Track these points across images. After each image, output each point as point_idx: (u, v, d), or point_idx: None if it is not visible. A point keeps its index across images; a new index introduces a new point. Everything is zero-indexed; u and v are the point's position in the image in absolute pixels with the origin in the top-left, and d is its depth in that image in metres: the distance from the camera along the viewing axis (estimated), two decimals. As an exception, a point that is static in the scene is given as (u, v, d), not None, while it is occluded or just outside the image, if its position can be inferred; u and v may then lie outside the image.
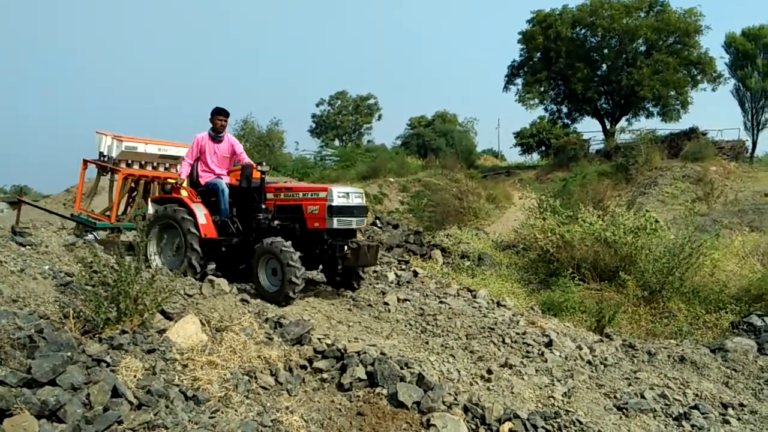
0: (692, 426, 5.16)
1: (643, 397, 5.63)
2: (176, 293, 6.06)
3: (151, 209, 8.54)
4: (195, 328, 5.42)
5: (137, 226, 8.57)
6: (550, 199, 14.67)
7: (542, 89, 41.49)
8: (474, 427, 4.82)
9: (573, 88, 39.42)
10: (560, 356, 6.50)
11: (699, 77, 38.70)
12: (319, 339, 5.87)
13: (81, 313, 5.20)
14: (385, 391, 5.11)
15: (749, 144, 35.47)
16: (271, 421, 4.43)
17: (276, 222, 7.72)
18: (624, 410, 5.34)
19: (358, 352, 5.63)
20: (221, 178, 8.33)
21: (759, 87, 33.89)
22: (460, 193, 25.98)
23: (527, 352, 6.58)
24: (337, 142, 56.06)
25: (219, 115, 8.39)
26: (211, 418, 4.33)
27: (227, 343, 5.34)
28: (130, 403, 4.15)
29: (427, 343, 6.48)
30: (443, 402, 5.04)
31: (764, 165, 32.02)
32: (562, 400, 5.37)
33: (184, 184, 8.22)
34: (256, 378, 5.00)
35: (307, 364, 5.48)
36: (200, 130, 8.39)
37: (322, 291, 8.13)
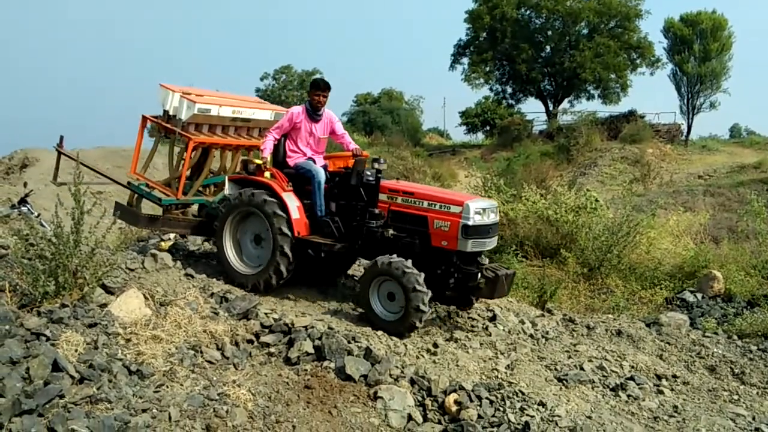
0: (628, 396, 5.37)
1: (582, 368, 5.81)
2: (118, 267, 5.90)
3: (227, 190, 7.09)
4: (138, 303, 5.30)
5: (213, 204, 7.57)
6: (494, 178, 14.91)
7: (488, 69, 41.90)
8: (420, 398, 4.90)
9: (518, 69, 39.94)
10: (504, 330, 6.64)
11: (638, 61, 39.78)
12: (266, 314, 5.84)
13: (18, 287, 5.02)
14: (332, 365, 5.13)
15: (684, 127, 36.74)
16: (218, 394, 4.40)
17: (391, 232, 6.40)
18: (564, 381, 5.50)
19: (305, 327, 5.62)
20: (314, 162, 7.00)
21: (695, 72, 35.02)
22: (406, 171, 26.11)
23: (472, 326, 6.70)
24: (282, 118, 55.15)
25: (317, 90, 6.96)
26: (155, 392, 4.27)
27: (172, 317, 5.25)
28: (72, 377, 4.05)
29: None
30: (390, 375, 5.09)
31: (698, 148, 33.24)
32: (506, 372, 5.50)
33: (269, 164, 6.89)
34: (201, 352, 4.95)
35: (254, 339, 5.45)
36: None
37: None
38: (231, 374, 4.79)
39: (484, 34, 41.91)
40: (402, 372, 5.17)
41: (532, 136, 38.12)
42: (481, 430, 4.43)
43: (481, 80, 42.41)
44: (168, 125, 7.72)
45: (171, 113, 7.74)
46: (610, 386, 5.55)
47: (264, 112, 8.50)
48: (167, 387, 4.38)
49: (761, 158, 27.01)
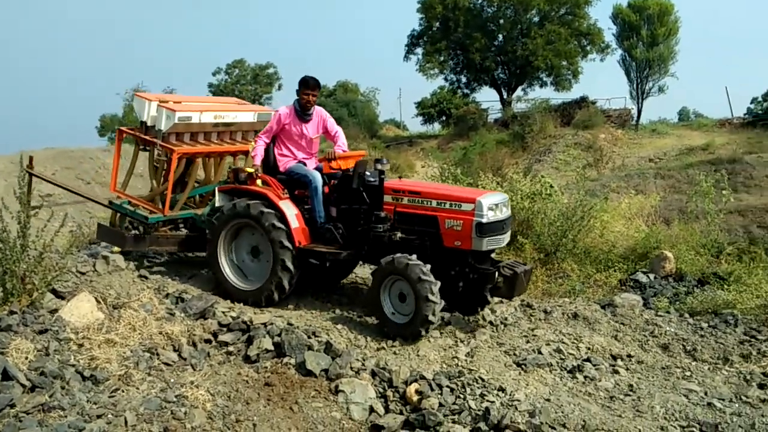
0: (585, 377, 5.47)
1: (540, 352, 5.90)
2: (68, 271, 5.77)
3: (218, 201, 6.74)
4: (90, 306, 5.20)
5: (202, 216, 7.21)
6: (451, 168, 14.97)
7: (442, 59, 42.00)
8: (382, 390, 4.91)
9: (471, 58, 40.14)
10: (463, 318, 6.69)
11: (588, 48, 40.36)
12: (223, 312, 5.78)
13: (-38, 295, 4.87)
14: (293, 361, 5.11)
15: (635, 112, 37.45)
16: (176, 396, 4.34)
17: (399, 235, 6.10)
18: (523, 366, 5.58)
19: (264, 324, 5.60)
20: (306, 165, 6.70)
21: (643, 57, 35.70)
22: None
23: (432, 315, 6.73)
24: (236, 113, 54.50)
25: (306, 88, 6.59)
26: (110, 397, 4.20)
27: (126, 320, 5.16)
28: (23, 385, 3.96)
29: (334, 312, 6.49)
30: (351, 368, 5.10)
31: (648, 132, 33.94)
32: (466, 360, 5.55)
33: (260, 171, 6.58)
34: (158, 354, 4.88)
35: (212, 338, 5.40)
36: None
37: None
38: (189, 375, 4.73)
39: (437, 24, 41.99)
40: (363, 364, 5.18)
41: (487, 125, 38.41)
42: (442, 418, 4.46)
43: (436, 70, 42.51)
44: (147, 137, 7.33)
45: (149, 123, 7.34)
46: (568, 368, 5.64)
47: (246, 114, 8.16)
48: (123, 391, 4.31)
49: (709, 140, 27.76)
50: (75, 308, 5.12)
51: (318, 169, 6.69)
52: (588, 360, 5.79)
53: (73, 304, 5.16)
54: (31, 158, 7.90)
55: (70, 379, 4.25)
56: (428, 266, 5.67)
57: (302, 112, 6.64)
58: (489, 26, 41.20)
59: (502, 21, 41.18)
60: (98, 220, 9.47)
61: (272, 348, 5.24)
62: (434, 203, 6.01)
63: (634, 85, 36.94)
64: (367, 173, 6.41)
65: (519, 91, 42.88)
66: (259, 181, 6.49)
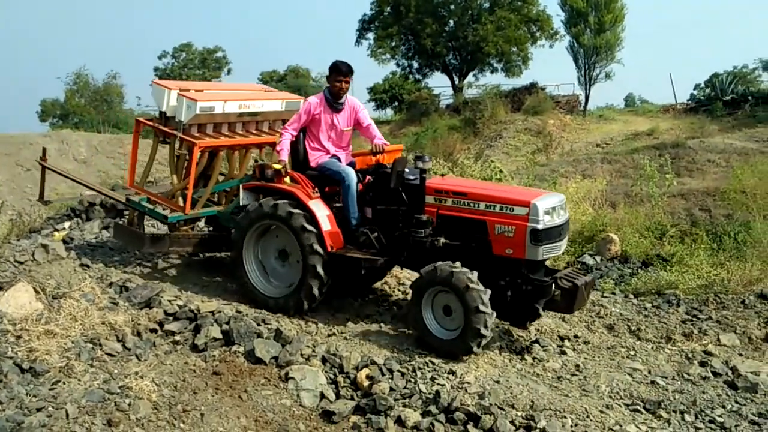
0: (533, 358, 5.56)
1: (490, 335, 5.95)
2: (5, 260, 5.55)
3: (243, 199, 6.20)
4: (28, 297, 5.02)
5: (226, 215, 6.73)
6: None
7: (393, 44, 41.90)
8: (333, 376, 4.88)
9: (423, 44, 40.12)
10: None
11: (538, 34, 40.82)
12: (169, 301, 5.64)
13: None
14: (242, 349, 5.04)
15: (582, 98, 38.08)
16: (120, 387, 4.23)
17: (442, 240, 5.56)
18: (472, 349, 5.62)
19: (212, 312, 5.49)
20: (338, 159, 6.21)
21: (591, 44, 36.23)
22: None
23: (383, 302, 6.73)
24: (183, 98, 53.50)
25: (338, 74, 6.03)
26: (51, 389, 4.06)
27: (66, 310, 5.00)
28: (-44, 381, 3.78)
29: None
30: (301, 355, 5.05)
31: (596, 118, 34.57)
32: (416, 345, 5.55)
33: (288, 167, 6.02)
34: (100, 345, 4.74)
35: (158, 328, 5.27)
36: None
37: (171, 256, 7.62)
38: (133, 366, 4.61)
39: (389, 9, 41.81)
40: (313, 351, 5.14)
41: (439, 111, 38.51)
42: (393, 402, 4.46)
43: (387, 55, 42.39)
44: (166, 129, 6.74)
45: (169, 114, 6.74)
46: (517, 350, 5.72)
47: (273, 103, 7.53)
48: (64, 383, 4.18)
49: (653, 125, 28.44)
50: (12, 299, 4.93)
51: (351, 164, 6.20)
52: (536, 341, 5.87)
53: (10, 295, 4.97)
54: (44, 150, 7.46)
55: (7, 372, 4.10)
56: (475, 273, 5.15)
57: (334, 100, 6.11)
58: (440, 12, 41.21)
59: (452, 6, 41.26)
60: (42, 210, 9.11)
61: (220, 336, 5.15)
62: (482, 206, 5.42)
63: (582, 72, 37.49)
64: (408, 172, 5.87)
65: (470, 77, 43.12)
66: (286, 178, 5.98)
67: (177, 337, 5.15)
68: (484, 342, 5.21)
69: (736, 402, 4.92)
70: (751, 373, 5.34)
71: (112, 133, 20.37)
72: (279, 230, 6.06)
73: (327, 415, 4.44)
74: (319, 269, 5.72)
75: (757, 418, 4.65)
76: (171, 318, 5.41)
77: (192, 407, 4.25)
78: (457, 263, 5.19)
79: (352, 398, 4.65)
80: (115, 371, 4.48)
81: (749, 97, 31.74)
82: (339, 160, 6.16)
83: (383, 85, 49.87)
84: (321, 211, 5.79)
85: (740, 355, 5.77)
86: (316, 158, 6.15)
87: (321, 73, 58.78)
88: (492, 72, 42.25)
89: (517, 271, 5.38)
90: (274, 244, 6.21)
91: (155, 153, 7.32)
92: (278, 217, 5.85)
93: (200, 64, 56.29)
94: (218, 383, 4.59)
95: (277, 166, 5.96)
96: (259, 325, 5.38)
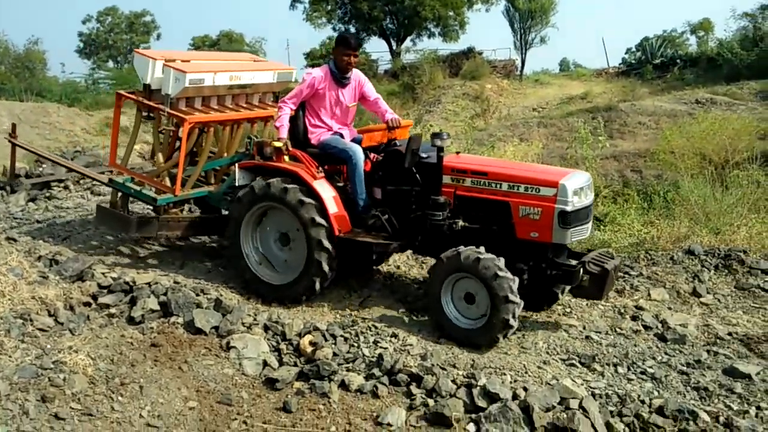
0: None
1: (430, 297, 6.01)
2: None
3: (239, 180, 5.73)
4: (-50, 274, 4.76)
5: (218, 195, 6.35)
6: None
7: (329, 8, 41.24)
8: (275, 343, 4.86)
9: (359, 8, 39.62)
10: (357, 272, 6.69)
11: (474, -2, 40.86)
12: (103, 273, 5.48)
13: None
14: (180, 320, 4.95)
15: (519, 62, 38.54)
16: (53, 362, 4.10)
17: (460, 223, 5.23)
18: (415, 312, 5.68)
19: (148, 284, 5.37)
20: (342, 136, 5.79)
21: (526, 8, 36.60)
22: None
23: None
24: (111, 64, 51.66)
25: (346, 48, 5.66)
26: (-21, 368, 3.89)
27: (-7, 286, 4.78)
28: None
29: (224, 269, 6.31)
30: (243, 323, 5.01)
31: (532, 82, 35.07)
32: (359, 310, 5.57)
33: (289, 145, 5.55)
34: (31, 320, 4.58)
35: (92, 301, 5.12)
36: None
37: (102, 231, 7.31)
38: (67, 340, 4.47)
39: (324, -29, 41.06)
40: (255, 319, 5.10)
41: (377, 76, 38.28)
42: (336, 367, 4.47)
43: (324, 19, 41.73)
44: (152, 103, 6.21)
45: (154, 87, 6.23)
46: (458, 312, 5.79)
47: (265, 74, 7.06)
48: (-8, 361, 4.01)
49: (587, 89, 29.11)
50: (-68, 276, 4.69)
51: (357, 141, 5.84)
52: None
53: (-70, 272, 4.72)
54: (14, 126, 6.95)
55: (-71, 353, 3.91)
56: (503, 260, 4.82)
57: (340, 75, 5.71)
58: (376, -25, 40.69)
59: (389, -31, 40.77)
60: None
61: (158, 308, 5.04)
62: (505, 186, 5.08)
63: (518, 36, 37.90)
64: (422, 151, 5.49)
65: (408, 42, 42.93)
66: (286, 157, 5.55)
67: (112, 310, 5.01)
68: (510, 333, 4.96)
69: (666, 353, 5.14)
70: (680, 325, 5.58)
71: (35, 102, 19.42)
72: (278, 212, 5.62)
73: (270, 383, 4.42)
74: (325, 242, 5.32)
75: (685, 368, 4.86)
76: (105, 291, 5.25)
77: (130, 380, 4.15)
78: (482, 248, 4.88)
79: (295, 365, 4.64)
80: (48, 346, 4.34)
81: (678, 60, 32.77)
82: (342, 137, 5.79)
83: (320, 50, 49.08)
84: (327, 192, 5.41)
85: (669, 308, 6.00)
86: (317, 135, 5.76)
87: (255, 38, 57.58)
88: (429, 37, 42.13)
89: (542, 255, 5.12)
90: (275, 228, 5.78)
91: (138, 130, 6.82)
92: (276, 196, 5.42)
93: (127, 28, 54.36)
94: (157, 355, 4.50)
95: (278, 144, 5.52)
96: (198, 295, 5.29)
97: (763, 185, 9.49)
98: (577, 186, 4.97)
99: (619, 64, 37.95)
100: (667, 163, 12.74)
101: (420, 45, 42.17)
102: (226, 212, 6.32)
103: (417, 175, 5.42)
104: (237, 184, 5.77)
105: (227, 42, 51.92)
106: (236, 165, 5.89)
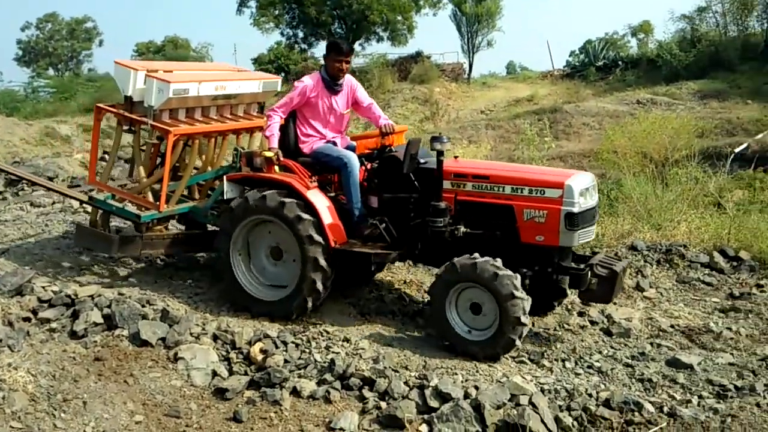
0: (425, 320, 5.68)
1: (383, 301, 6.03)
2: None
3: (228, 193, 5.51)
4: None
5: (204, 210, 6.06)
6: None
7: (277, 13, 40.98)
8: (225, 353, 4.79)
9: (307, 12, 39.49)
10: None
11: (421, 2, 41.18)
12: (43, 287, 5.29)
13: None
14: (126, 333, 4.83)
15: (467, 66, 39.10)
16: (-9, 381, 3.93)
17: (462, 229, 5.09)
18: (367, 315, 5.68)
19: (91, 296, 5.21)
20: (334, 144, 5.62)
21: (473, 12, 37.19)
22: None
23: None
24: (51, 72, 50.40)
25: (338, 55, 5.51)
26: None
27: (-77, 304, 4.57)
28: None
29: (171, 279, 6.19)
30: (191, 334, 4.91)
31: (479, 85, 35.63)
32: (310, 315, 5.52)
33: (280, 155, 5.34)
34: (-34, 338, 4.38)
35: (32, 316, 4.94)
36: None
37: (45, 238, 7.15)
38: (6, 357, 4.30)
39: (271, -24, 40.77)
40: (203, 329, 5.02)
41: (326, 81, 38.26)
42: (288, 374, 4.43)
43: (271, 24, 41.46)
44: (133, 116, 5.89)
45: (135, 99, 5.91)
46: (409, 314, 5.83)
47: (250, 84, 6.81)
48: (-76, 383, 3.83)
49: (533, 91, 29.72)
50: None
51: (350, 148, 5.70)
52: (428, 304, 5.99)
53: None
54: None
55: None
56: (499, 260, 4.69)
57: (332, 82, 5.57)
58: (323, -21, 40.64)
59: (336, -26, 40.76)
60: None
61: (102, 321, 4.89)
62: (508, 190, 4.95)
63: (465, 40, 38.44)
64: (421, 155, 5.35)
65: (356, 46, 42.97)
66: (277, 167, 5.35)
67: (53, 325, 4.84)
68: (524, 332, 4.71)
69: (612, 347, 5.27)
70: (624, 319, 5.73)
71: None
72: (272, 226, 5.43)
73: (220, 393, 4.34)
74: (321, 260, 5.13)
75: (630, 360, 4.99)
76: (46, 305, 5.07)
77: (73, 396, 4.03)
78: (498, 261, 4.68)
79: (245, 374, 4.57)
80: (-15, 365, 4.17)
81: (619, 62, 33.67)
82: (335, 145, 5.65)
83: (268, 55, 48.73)
84: (320, 201, 5.22)
85: (614, 303, 6.15)
86: (309, 144, 5.60)
87: (201, 44, 56.82)
88: (378, 41, 42.29)
89: (547, 259, 4.97)
90: (265, 242, 5.58)
91: (119, 144, 6.50)
92: (269, 209, 5.21)
93: (68, 35, 53.05)
94: (101, 369, 4.37)
95: (269, 154, 5.32)
96: (143, 306, 5.16)
97: (702, 182, 9.82)
98: (582, 186, 4.88)
99: (564, 66, 38.82)
100: (610, 163, 13.08)
101: (369, 49, 42.30)
102: (213, 227, 6.15)
103: (415, 182, 5.26)
104: (225, 197, 5.59)
105: (173, 48, 51.04)
106: (224, 178, 5.69)
